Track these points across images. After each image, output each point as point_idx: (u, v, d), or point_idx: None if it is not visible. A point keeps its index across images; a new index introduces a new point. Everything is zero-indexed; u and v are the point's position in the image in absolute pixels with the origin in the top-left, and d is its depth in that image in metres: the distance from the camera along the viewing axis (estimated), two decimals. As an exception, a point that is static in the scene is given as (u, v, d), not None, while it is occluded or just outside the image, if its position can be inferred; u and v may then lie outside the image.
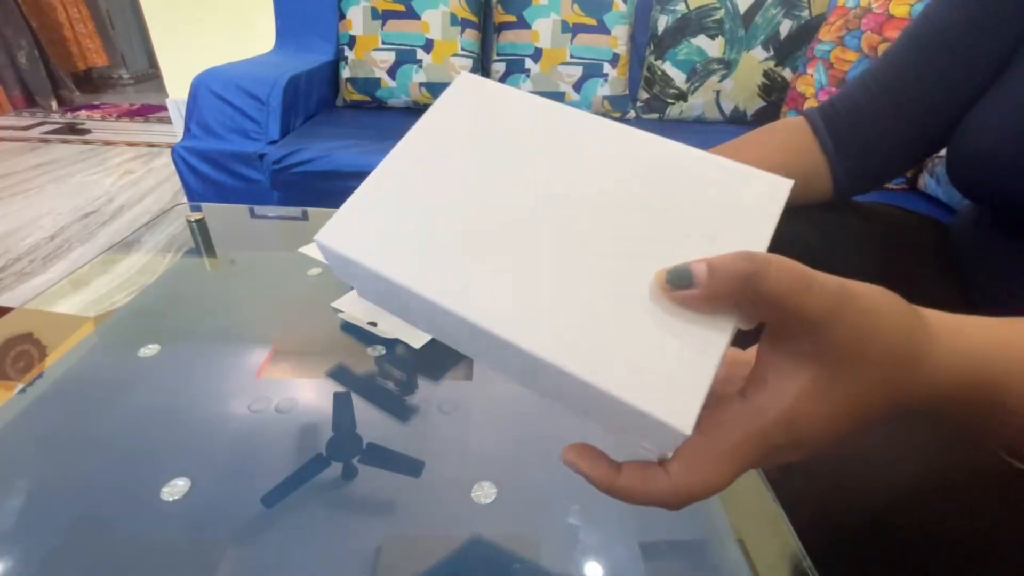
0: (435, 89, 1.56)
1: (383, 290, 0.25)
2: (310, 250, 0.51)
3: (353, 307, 0.56)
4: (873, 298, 0.21)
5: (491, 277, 0.22)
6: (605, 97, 1.56)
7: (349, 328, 0.54)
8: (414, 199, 0.24)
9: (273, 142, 1.36)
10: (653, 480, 0.21)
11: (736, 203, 0.23)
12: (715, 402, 0.21)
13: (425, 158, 0.25)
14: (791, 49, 1.42)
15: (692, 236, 0.22)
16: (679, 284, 0.20)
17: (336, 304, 0.56)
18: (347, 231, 0.24)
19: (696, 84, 1.49)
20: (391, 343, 0.52)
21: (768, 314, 0.20)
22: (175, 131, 2.65)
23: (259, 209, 0.84)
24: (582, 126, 0.26)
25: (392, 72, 1.56)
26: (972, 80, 0.46)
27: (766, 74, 1.45)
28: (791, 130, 0.53)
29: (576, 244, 0.23)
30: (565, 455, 0.23)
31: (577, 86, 1.56)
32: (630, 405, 0.19)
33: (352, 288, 0.57)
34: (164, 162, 2.43)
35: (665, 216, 0.23)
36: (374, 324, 0.53)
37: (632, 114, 1.63)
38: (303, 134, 1.40)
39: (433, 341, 0.52)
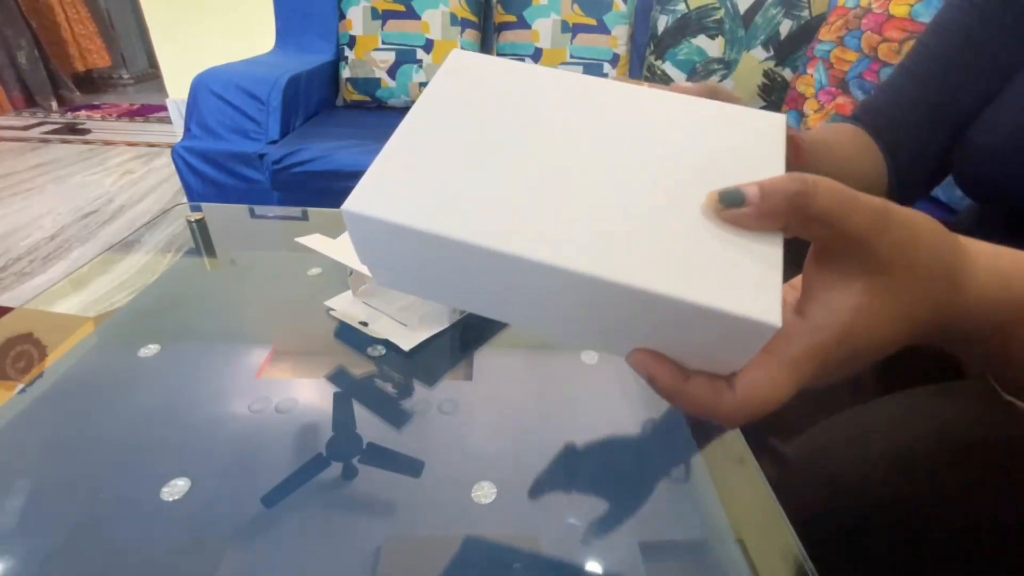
0: (435, 89, 1.56)
1: (420, 257, 0.23)
2: (309, 241, 0.51)
3: (345, 306, 0.56)
4: (912, 214, 0.22)
5: (542, 216, 0.21)
6: (605, 97, 1.56)
7: (347, 328, 0.54)
8: (440, 157, 0.23)
9: (273, 142, 1.36)
10: (719, 392, 0.22)
11: (745, 137, 0.24)
12: None
13: (440, 123, 0.25)
14: (791, 49, 1.42)
15: (717, 170, 0.23)
16: (732, 203, 0.21)
17: (329, 303, 0.56)
18: (377, 195, 0.22)
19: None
20: (387, 344, 0.52)
21: (816, 232, 0.21)
22: (175, 131, 2.65)
23: (259, 209, 0.84)
24: (581, 86, 0.26)
25: (392, 72, 1.56)
26: (990, 82, 0.45)
27: (766, 74, 1.45)
28: (858, 132, 0.51)
29: (611, 182, 0.23)
30: (633, 355, 0.23)
31: (577, 86, 1.56)
32: (719, 311, 0.19)
33: (347, 288, 0.57)
34: (164, 162, 2.43)
35: (685, 153, 0.24)
36: (365, 324, 0.53)
37: (632, 114, 1.64)
38: (303, 134, 1.40)
39: (424, 342, 0.52)
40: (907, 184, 0.50)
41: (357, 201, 0.22)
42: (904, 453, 0.37)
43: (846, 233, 0.20)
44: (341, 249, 0.50)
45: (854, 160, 0.49)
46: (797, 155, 0.34)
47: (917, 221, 0.21)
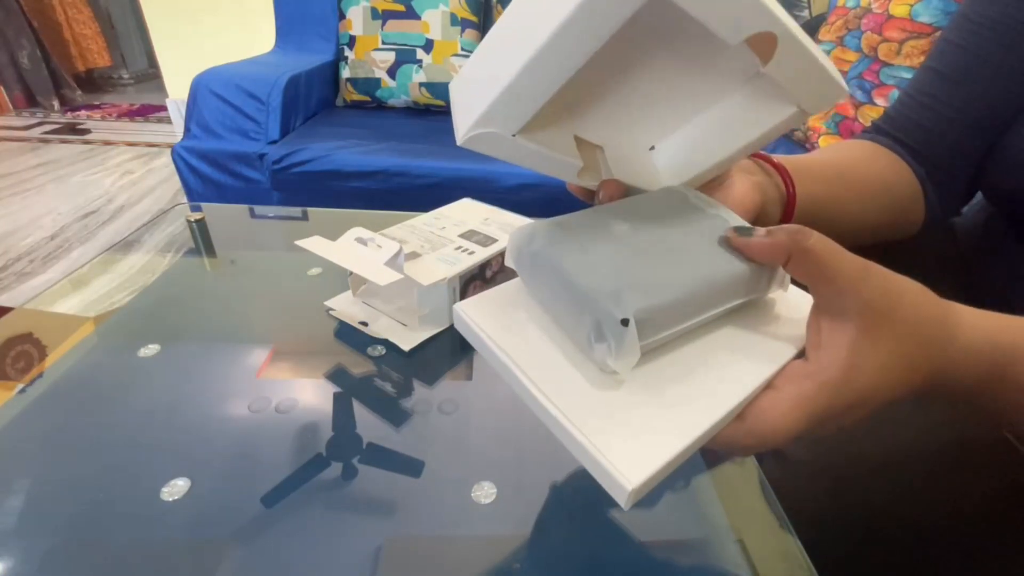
0: (435, 89, 1.56)
1: None
2: (308, 243, 0.51)
3: (345, 306, 0.56)
4: (893, 273, 0.24)
5: None
6: (605, 97, 1.56)
7: (347, 328, 0.54)
8: None
9: (273, 142, 1.36)
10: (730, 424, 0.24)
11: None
12: (780, 370, 0.25)
13: None
14: (791, 49, 1.42)
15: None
16: (744, 234, 0.25)
17: (329, 303, 0.56)
18: None
19: (696, 84, 1.49)
20: (387, 344, 0.52)
21: (810, 268, 0.23)
22: (175, 131, 2.65)
23: (259, 209, 0.84)
24: None
25: (392, 72, 1.56)
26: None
27: (766, 74, 1.45)
28: (887, 154, 0.48)
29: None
30: None
31: (577, 86, 1.55)
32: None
33: (347, 288, 0.57)
34: (164, 162, 2.43)
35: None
36: (365, 324, 0.53)
37: (632, 114, 1.64)
38: (303, 134, 1.40)
39: (424, 342, 0.52)
40: (945, 202, 0.48)
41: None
42: (906, 454, 0.37)
43: (836, 273, 0.23)
44: (341, 252, 0.50)
45: (889, 185, 0.46)
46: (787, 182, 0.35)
47: (899, 277, 0.24)
